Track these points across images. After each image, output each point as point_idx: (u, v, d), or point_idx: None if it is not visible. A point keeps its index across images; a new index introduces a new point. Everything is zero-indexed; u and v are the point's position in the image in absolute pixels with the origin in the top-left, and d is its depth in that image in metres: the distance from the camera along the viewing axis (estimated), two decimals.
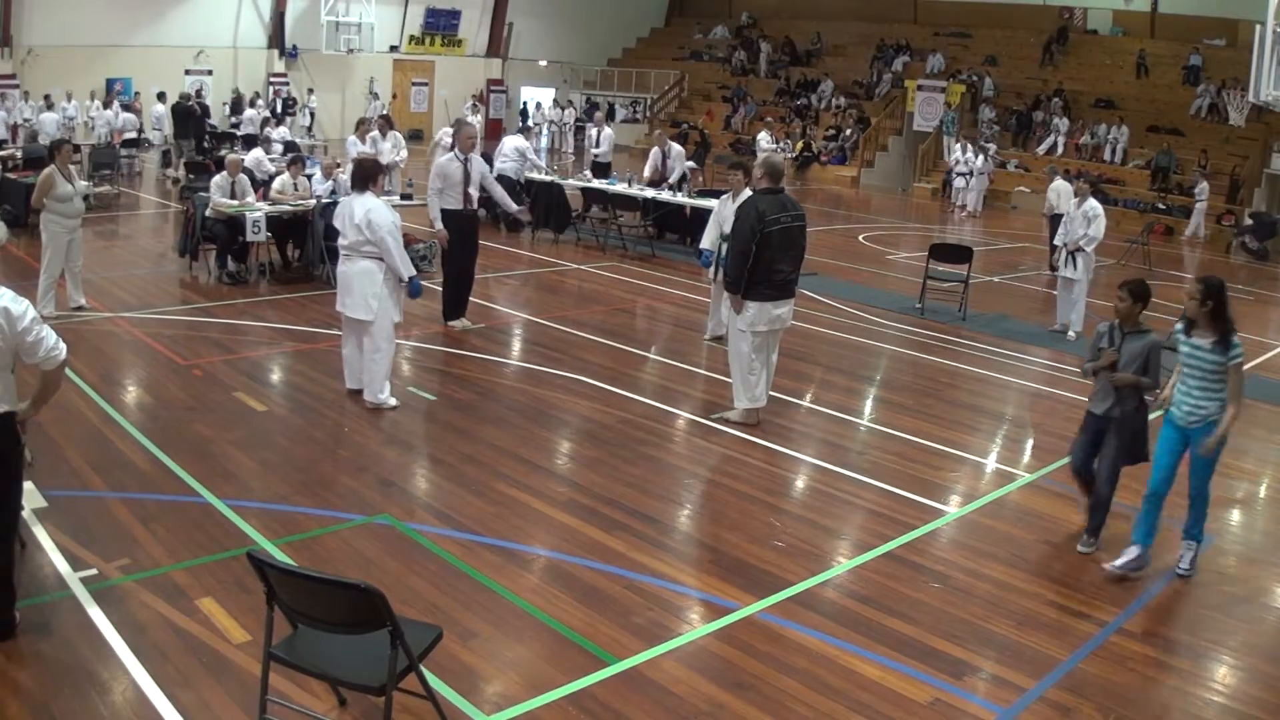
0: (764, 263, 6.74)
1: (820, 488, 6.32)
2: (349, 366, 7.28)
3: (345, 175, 12.04)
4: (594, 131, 17.62)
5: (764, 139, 23.68)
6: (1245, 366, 5.06)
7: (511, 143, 15.00)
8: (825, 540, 5.56)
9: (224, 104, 24.66)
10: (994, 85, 26.40)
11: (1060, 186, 14.84)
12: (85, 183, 9.12)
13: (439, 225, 8.88)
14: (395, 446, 6.49)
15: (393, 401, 7.06)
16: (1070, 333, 10.36)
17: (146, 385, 7.38)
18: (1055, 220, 14.81)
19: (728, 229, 7.88)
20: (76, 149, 13.80)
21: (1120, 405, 5.39)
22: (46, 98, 20.98)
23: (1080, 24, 27.57)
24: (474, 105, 29.79)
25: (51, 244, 8.68)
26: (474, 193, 8.98)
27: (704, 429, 7.14)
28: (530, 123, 27.07)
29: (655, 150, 15.15)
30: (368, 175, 6.97)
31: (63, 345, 3.99)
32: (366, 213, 6.75)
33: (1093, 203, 10.05)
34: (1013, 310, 11.77)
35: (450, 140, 9.98)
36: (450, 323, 9.28)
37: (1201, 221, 20.44)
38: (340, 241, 7.00)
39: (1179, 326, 5.15)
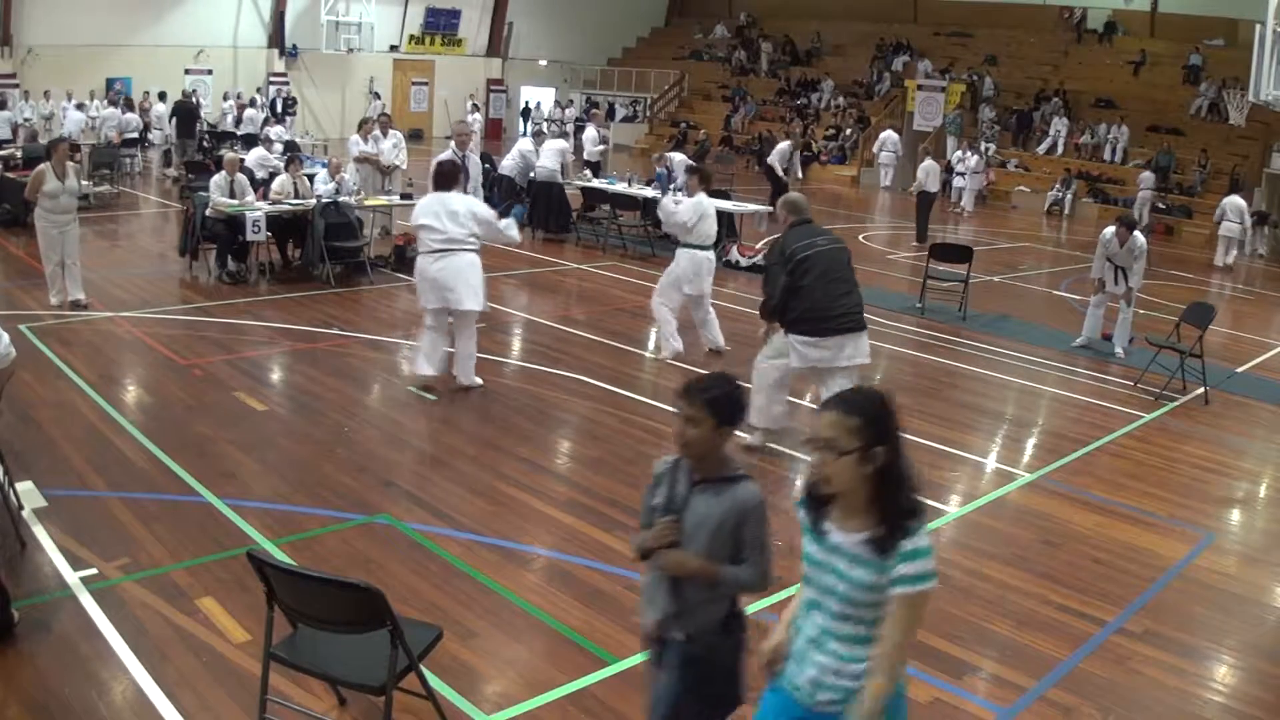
0: (808, 294, 6.24)
1: None
2: (427, 355, 7.42)
3: (349, 175, 12.05)
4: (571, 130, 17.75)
5: (784, 146, 21.90)
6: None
7: (519, 147, 15.20)
8: None
9: (226, 109, 24.55)
10: (994, 85, 26.40)
11: (929, 166, 15.96)
12: (87, 181, 9.11)
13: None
14: (395, 446, 6.49)
15: (480, 380, 7.56)
16: (1118, 349, 9.80)
17: (146, 385, 7.38)
18: (922, 196, 15.94)
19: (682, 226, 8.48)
20: (76, 148, 13.81)
21: (693, 617, 2.82)
22: (69, 95, 21.00)
23: (1079, 21, 27.61)
24: (473, 105, 29.80)
25: (43, 238, 9.02)
26: (471, 190, 9.08)
27: None
28: (532, 123, 27.06)
29: (660, 170, 15.33)
30: (450, 176, 7.36)
31: (14, 350, 4.41)
32: (469, 206, 7.22)
33: (1139, 240, 9.78)
34: (1013, 310, 11.76)
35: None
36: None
37: (1146, 212, 20.46)
38: (433, 238, 7.15)
39: (799, 499, 2.79)
